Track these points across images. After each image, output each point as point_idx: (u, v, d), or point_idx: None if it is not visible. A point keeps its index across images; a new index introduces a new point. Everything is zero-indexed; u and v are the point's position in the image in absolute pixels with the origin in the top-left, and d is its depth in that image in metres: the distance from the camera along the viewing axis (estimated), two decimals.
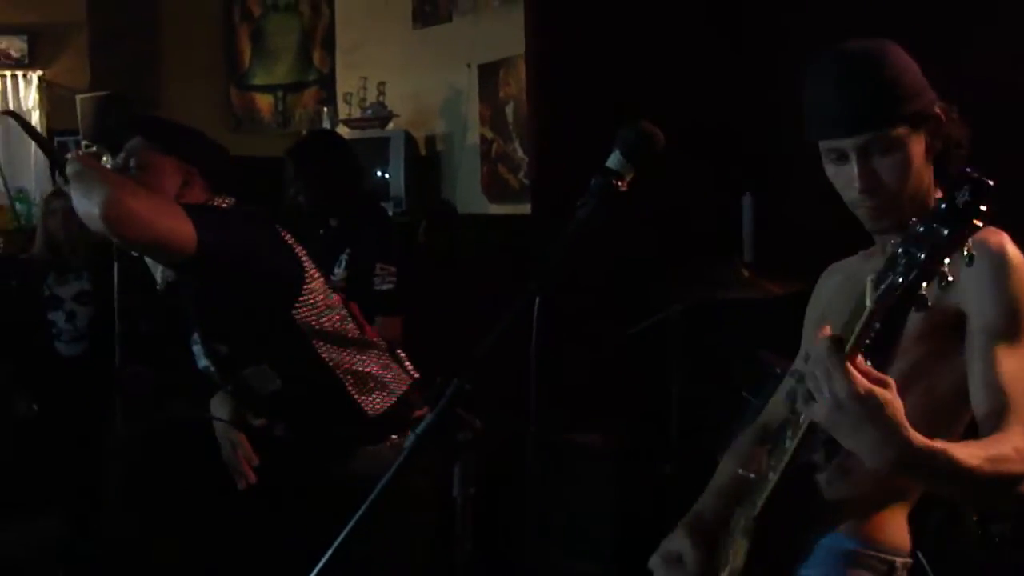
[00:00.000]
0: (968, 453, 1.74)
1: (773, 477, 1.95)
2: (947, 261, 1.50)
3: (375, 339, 3.21)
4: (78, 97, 8.20)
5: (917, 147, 2.04)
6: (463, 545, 2.05)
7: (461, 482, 1.97)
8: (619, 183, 2.05)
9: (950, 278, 1.50)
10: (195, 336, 3.18)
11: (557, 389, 3.50)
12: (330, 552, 1.88)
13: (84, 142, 8.14)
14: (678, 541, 2.20)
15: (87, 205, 2.74)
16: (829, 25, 4.54)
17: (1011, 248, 1.99)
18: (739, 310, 4.53)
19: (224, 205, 3.17)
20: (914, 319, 1.85)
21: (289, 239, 3.11)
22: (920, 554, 2.99)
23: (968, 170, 1.49)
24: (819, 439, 1.91)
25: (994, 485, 1.77)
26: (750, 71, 5.07)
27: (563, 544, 4.48)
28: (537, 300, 1.93)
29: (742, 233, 4.79)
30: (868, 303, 1.58)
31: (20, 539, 5.34)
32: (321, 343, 3.04)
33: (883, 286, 1.55)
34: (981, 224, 1.47)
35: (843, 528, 2.07)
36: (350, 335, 3.11)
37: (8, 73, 8.36)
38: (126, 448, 4.45)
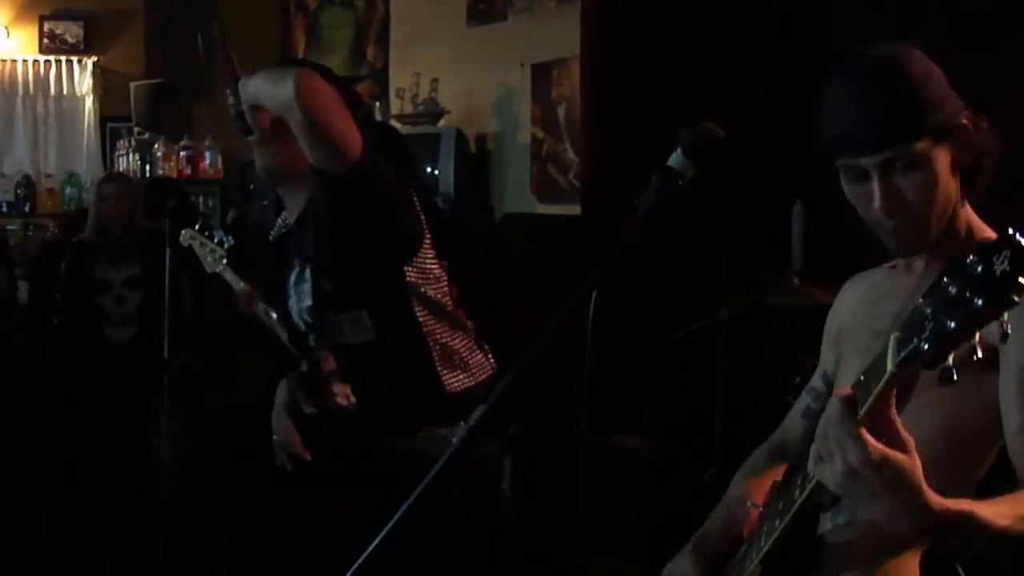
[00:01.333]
0: (996, 512, 1.62)
1: (779, 524, 1.85)
2: (978, 335, 1.37)
3: (467, 323, 3.26)
4: (132, 84, 8.27)
5: (942, 162, 1.88)
6: (511, 540, 2.04)
7: (511, 476, 1.96)
8: (680, 182, 2.04)
9: (980, 354, 1.37)
10: (300, 274, 3.19)
11: (602, 391, 3.49)
12: (377, 541, 1.87)
13: (136, 129, 8.21)
14: (687, 567, 2.15)
15: (279, 87, 2.86)
16: (885, 31, 4.51)
17: None
18: (787, 317, 4.50)
19: None
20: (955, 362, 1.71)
21: (417, 203, 3.17)
22: (960, 568, 2.96)
23: (1011, 233, 1.34)
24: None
25: None
26: (805, 77, 5.04)
27: (603, 546, 4.47)
28: (594, 297, 1.92)
29: (792, 241, 4.76)
30: (889, 367, 1.46)
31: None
32: (421, 308, 3.10)
33: (907, 350, 1.42)
34: (1019, 300, 1.32)
35: None
36: (448, 309, 3.17)
37: (63, 58, 8.42)
38: (178, 434, 4.48)
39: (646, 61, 5.05)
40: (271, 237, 3.35)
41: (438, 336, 3.12)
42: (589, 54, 5.32)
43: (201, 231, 4.46)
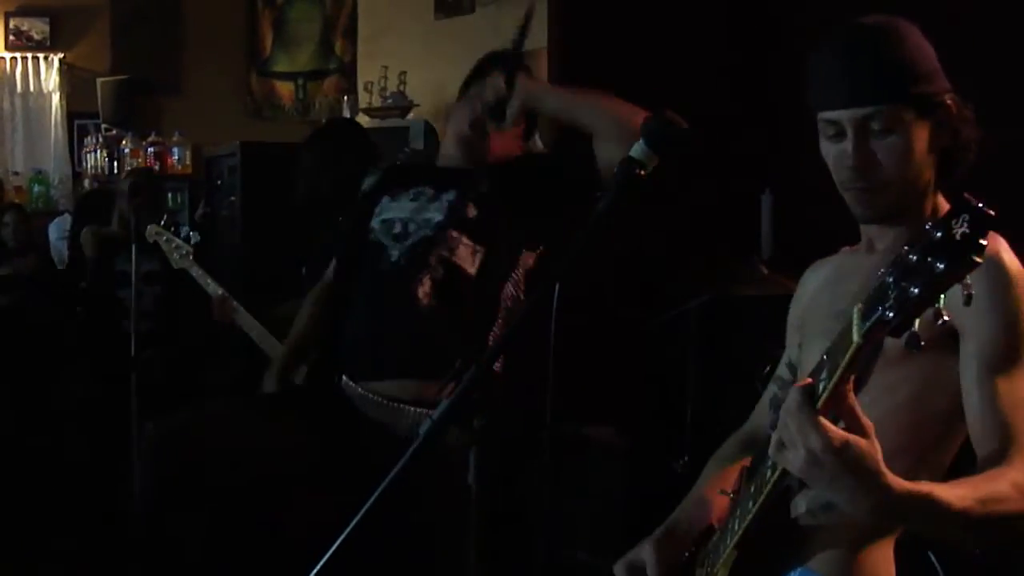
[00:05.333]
0: (957, 495, 1.62)
1: (752, 507, 1.84)
2: (942, 298, 1.36)
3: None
4: (99, 80, 8.22)
5: (920, 135, 1.89)
6: (477, 534, 2.03)
7: (476, 470, 1.95)
8: (642, 172, 2.03)
9: (945, 317, 1.36)
10: (438, 195, 3.28)
11: (571, 382, 3.49)
12: (341, 538, 1.87)
13: (104, 125, 8.17)
14: (646, 554, 2.11)
15: (629, 122, 2.84)
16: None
17: (1008, 257, 1.83)
18: (756, 307, 4.51)
19: None
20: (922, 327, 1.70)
21: None
22: (932, 555, 2.98)
23: (967, 197, 1.34)
24: None
25: (986, 527, 1.66)
26: (771, 67, 5.05)
27: (575, 538, 4.46)
28: (556, 288, 1.91)
29: (760, 230, 4.77)
30: (855, 338, 1.45)
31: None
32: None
33: (872, 320, 1.42)
34: (980, 260, 1.32)
35: (827, 570, 1.92)
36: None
37: (30, 55, 8.38)
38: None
39: (613, 53, 5.05)
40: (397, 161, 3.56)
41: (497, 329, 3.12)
42: (557, 46, 5.31)
43: (166, 227, 4.45)
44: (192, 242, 4.41)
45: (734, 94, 5.04)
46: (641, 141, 2.04)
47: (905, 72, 1.86)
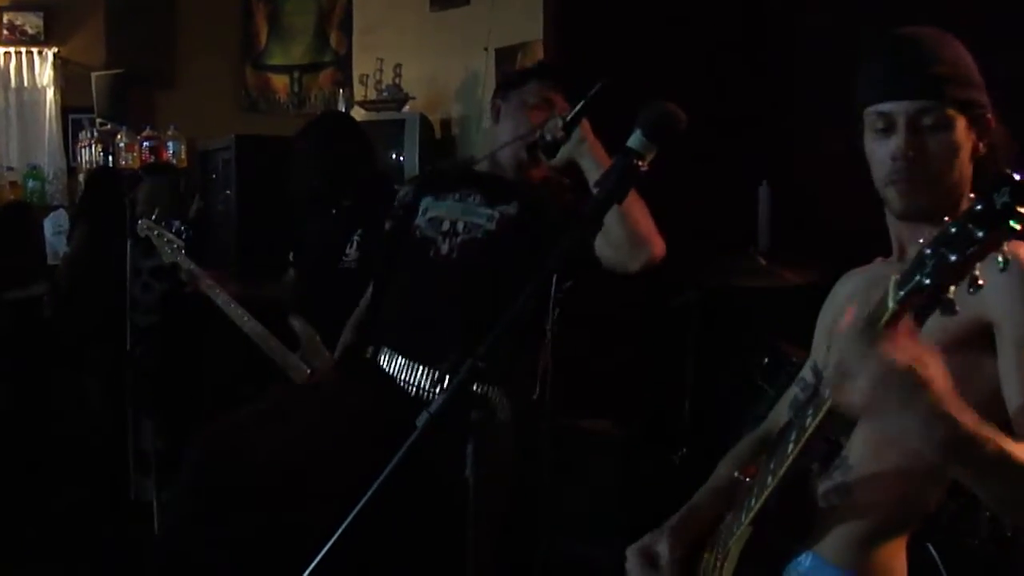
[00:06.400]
0: (1019, 447, 1.61)
1: (771, 482, 1.86)
2: (979, 265, 1.39)
3: None
4: (93, 75, 8.20)
5: (967, 139, 1.93)
6: (474, 527, 2.02)
7: (474, 463, 1.94)
8: (640, 163, 2.02)
9: (981, 282, 1.39)
10: (485, 202, 3.51)
11: (570, 374, 3.48)
12: (339, 531, 1.86)
13: (98, 120, 8.15)
14: (660, 542, 2.12)
15: (645, 228, 3.13)
16: (849, 18, 4.51)
17: None
18: (754, 299, 4.50)
19: None
20: (935, 331, 1.65)
21: None
22: (931, 547, 2.97)
23: (1008, 171, 1.38)
24: (822, 447, 1.83)
25: None
26: (770, 60, 5.04)
27: (573, 529, 4.46)
28: (554, 279, 1.90)
29: (758, 222, 4.76)
30: (890, 303, 1.47)
31: None
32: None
33: (908, 287, 1.44)
34: (1020, 227, 1.35)
35: (839, 558, 1.94)
36: None
37: (23, 49, 8.36)
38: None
39: (610, 44, 5.03)
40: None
41: None
42: (553, 38, 5.30)
43: (158, 221, 4.44)
44: (183, 237, 4.39)
45: (731, 86, 5.02)
46: (639, 132, 2.03)
47: (959, 75, 1.91)
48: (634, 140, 2.04)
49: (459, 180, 3.61)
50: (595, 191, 2.01)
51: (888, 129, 1.94)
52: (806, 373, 2.24)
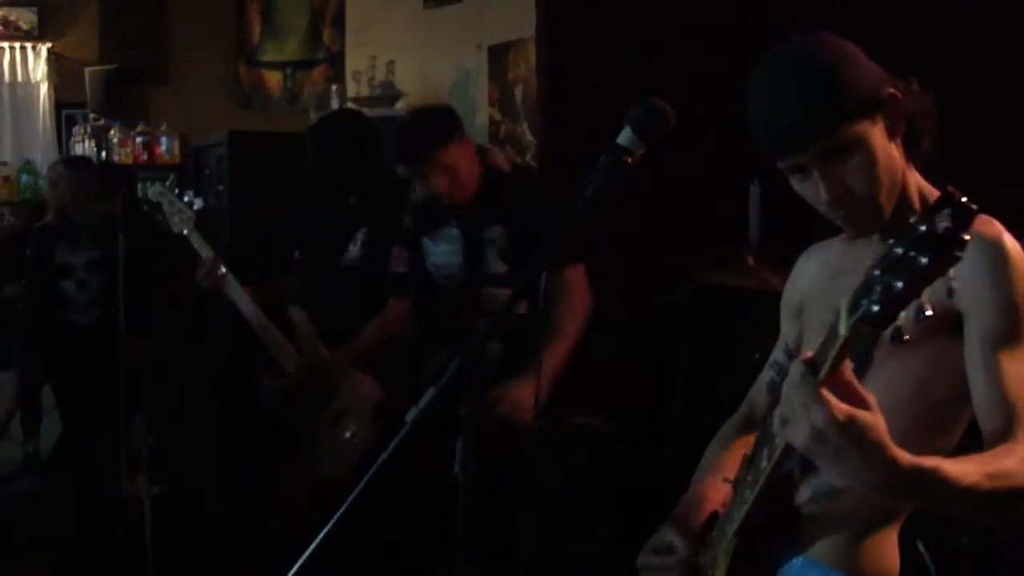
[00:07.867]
0: (963, 470, 1.61)
1: (750, 495, 1.85)
2: (926, 291, 1.36)
3: None
4: (87, 70, 8.20)
5: (878, 137, 1.87)
6: (463, 523, 2.03)
7: (463, 459, 1.94)
8: (629, 160, 2.03)
9: (928, 312, 1.37)
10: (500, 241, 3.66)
11: (562, 371, 3.49)
12: (328, 527, 1.86)
13: (92, 115, 8.15)
14: (670, 535, 2.12)
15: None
16: (842, 9, 4.51)
17: (1009, 240, 1.83)
18: (745, 296, 4.51)
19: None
20: (907, 320, 1.57)
21: None
22: (920, 544, 2.98)
23: (951, 190, 1.34)
24: (796, 452, 1.83)
25: (993, 503, 1.65)
26: (761, 55, 5.04)
27: (563, 526, 4.46)
28: (544, 276, 1.91)
29: (749, 219, 4.76)
30: (842, 331, 1.45)
31: None
32: None
33: (857, 313, 1.42)
34: (961, 255, 1.32)
35: (829, 558, 1.95)
36: None
37: (17, 45, 8.35)
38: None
39: (602, 41, 5.04)
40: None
41: None
42: (545, 35, 5.30)
43: (171, 189, 4.41)
44: (195, 207, 4.37)
45: (722, 84, 5.01)
46: (628, 128, 2.04)
47: (837, 92, 1.83)
48: (623, 137, 2.04)
49: (440, 216, 3.88)
50: (585, 188, 2.01)
51: (803, 170, 1.90)
52: (778, 355, 2.25)
